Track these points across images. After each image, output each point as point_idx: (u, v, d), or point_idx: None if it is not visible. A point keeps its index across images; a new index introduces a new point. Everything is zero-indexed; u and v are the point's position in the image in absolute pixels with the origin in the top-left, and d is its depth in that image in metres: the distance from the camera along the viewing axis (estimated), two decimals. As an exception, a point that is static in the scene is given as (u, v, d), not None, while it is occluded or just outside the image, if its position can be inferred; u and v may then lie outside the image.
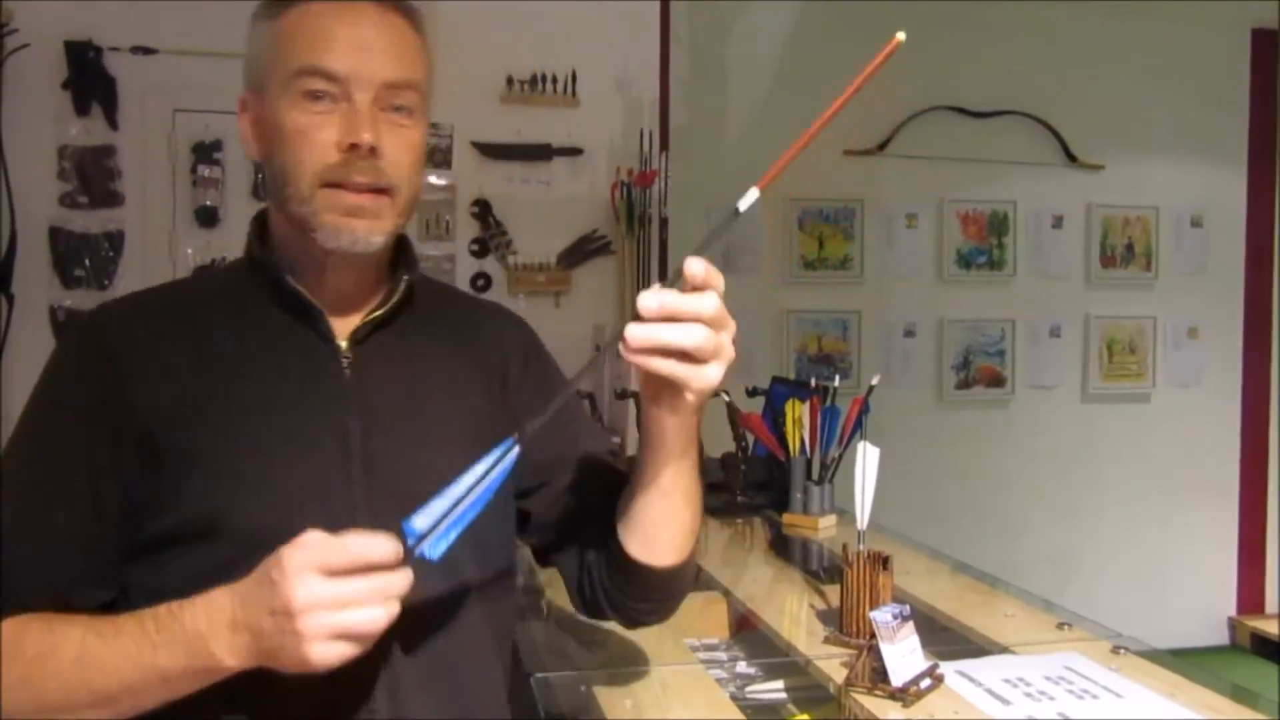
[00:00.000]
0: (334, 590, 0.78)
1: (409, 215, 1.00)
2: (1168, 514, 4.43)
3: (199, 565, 0.88)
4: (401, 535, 0.80)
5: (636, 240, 3.28)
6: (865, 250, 4.18)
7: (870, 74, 0.76)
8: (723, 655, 1.60)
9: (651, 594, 1.06)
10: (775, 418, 2.36)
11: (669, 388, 0.85)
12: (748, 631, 1.70)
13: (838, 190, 4.12)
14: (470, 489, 0.81)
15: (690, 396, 0.84)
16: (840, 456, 2.20)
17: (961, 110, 4.22)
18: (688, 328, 0.79)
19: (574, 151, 3.36)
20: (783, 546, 2.18)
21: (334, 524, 0.82)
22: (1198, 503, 4.48)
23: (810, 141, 0.77)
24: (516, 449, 0.83)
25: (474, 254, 3.35)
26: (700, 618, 1.71)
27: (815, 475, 2.20)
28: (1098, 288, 4.43)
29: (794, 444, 2.20)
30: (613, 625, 1.19)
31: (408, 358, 1.02)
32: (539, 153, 3.35)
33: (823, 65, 3.96)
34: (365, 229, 0.95)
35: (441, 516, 0.80)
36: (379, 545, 0.79)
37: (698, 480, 1.00)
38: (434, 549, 0.80)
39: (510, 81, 3.34)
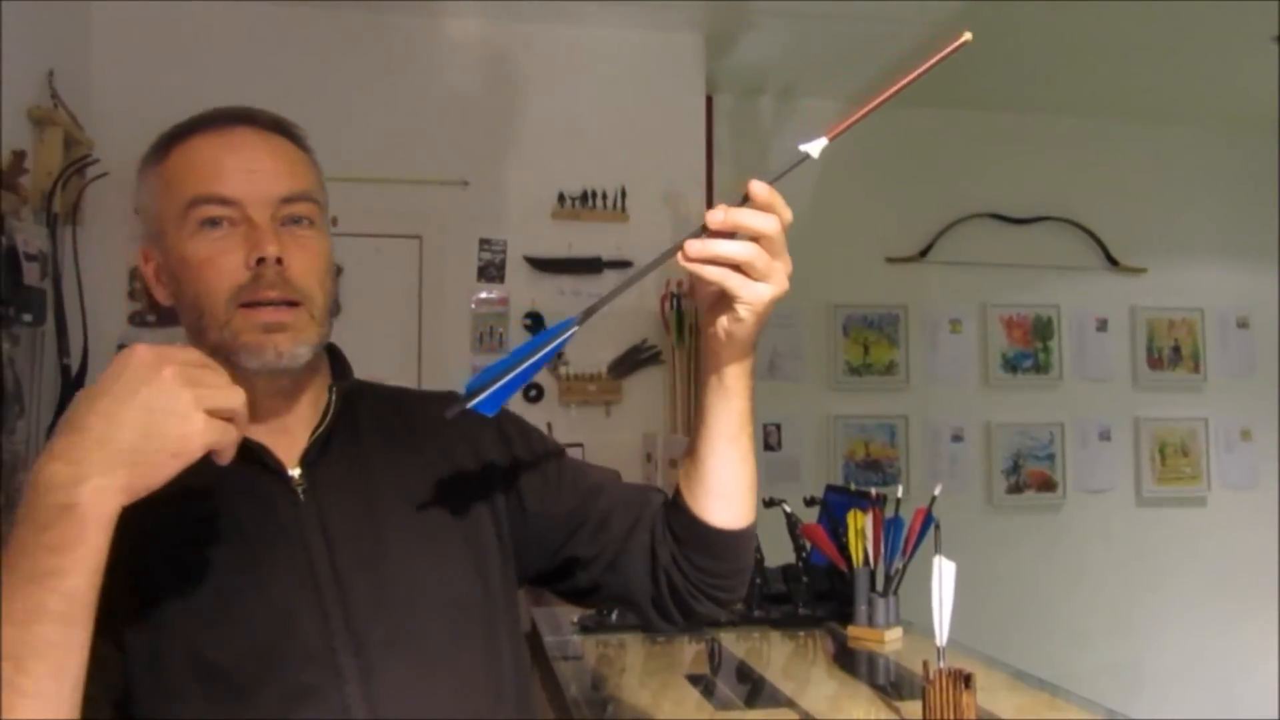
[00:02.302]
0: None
1: (328, 324, 1.00)
2: (1232, 621, 4.31)
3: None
4: None
5: (687, 350, 3.33)
6: (910, 355, 4.21)
7: (933, 66, 0.83)
8: (799, 776, 1.57)
9: (736, 560, 1.07)
10: (834, 527, 2.35)
11: (725, 305, 0.90)
12: (817, 749, 1.67)
13: (881, 297, 4.18)
14: (523, 359, 0.87)
15: (742, 310, 0.89)
16: (905, 568, 2.18)
17: (1001, 217, 4.29)
18: (741, 243, 0.85)
19: (623, 264, 3.44)
20: (848, 660, 2.15)
21: (316, 656, 0.85)
22: (1262, 610, 4.35)
23: (876, 109, 0.84)
24: (576, 329, 0.88)
25: (526, 365, 3.40)
26: (772, 736, 1.69)
27: (880, 587, 2.18)
28: (1146, 390, 4.41)
29: (857, 555, 2.19)
30: None
31: (362, 471, 1.02)
32: (589, 265, 3.43)
33: (862, 172, 4.08)
34: (287, 342, 0.95)
35: (494, 378, 0.86)
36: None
37: (756, 439, 1.03)
38: (486, 406, 0.86)
39: (561, 198, 3.44)
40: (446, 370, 3.32)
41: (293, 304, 0.95)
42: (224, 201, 0.94)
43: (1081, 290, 4.37)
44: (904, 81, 0.83)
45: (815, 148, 0.84)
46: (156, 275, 1.00)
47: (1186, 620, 4.28)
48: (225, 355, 0.94)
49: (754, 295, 0.87)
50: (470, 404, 0.86)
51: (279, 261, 0.93)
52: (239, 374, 0.94)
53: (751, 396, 0.99)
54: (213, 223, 0.94)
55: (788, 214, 0.87)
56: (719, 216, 0.85)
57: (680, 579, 1.07)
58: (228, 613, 0.90)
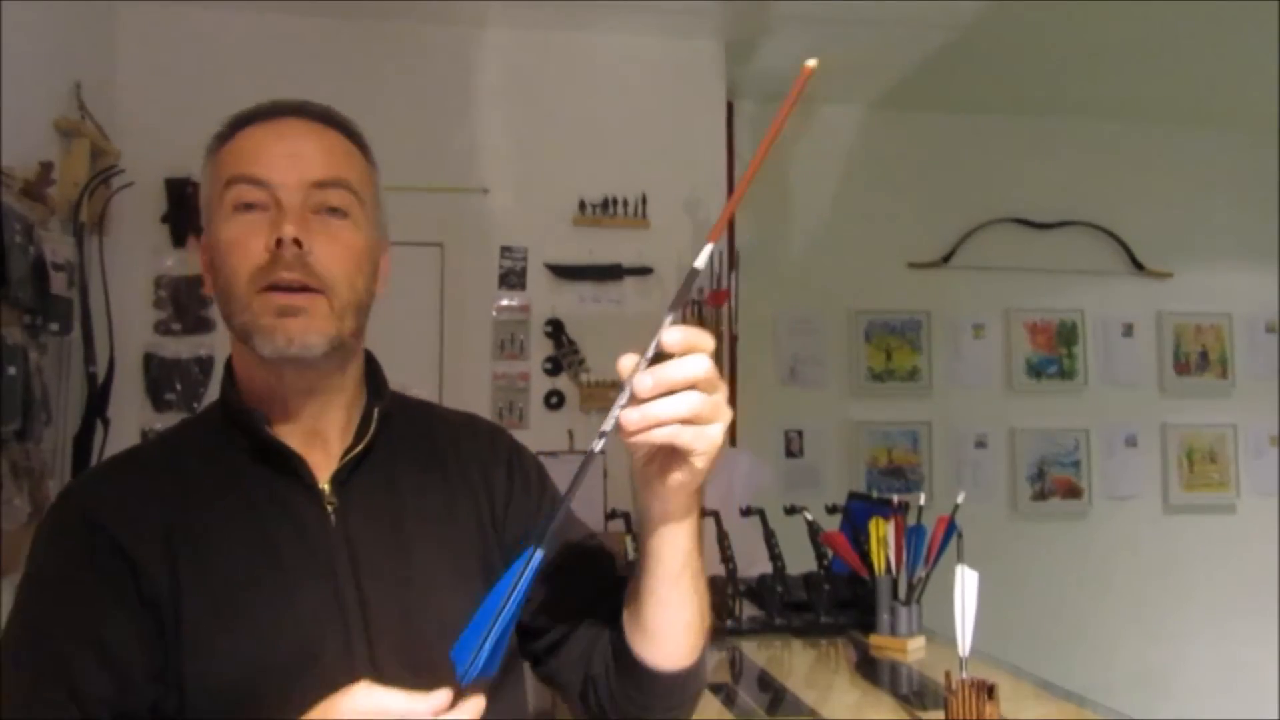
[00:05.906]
0: None
1: (353, 320, 0.96)
2: (1262, 629, 4.24)
3: None
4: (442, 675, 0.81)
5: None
6: (933, 361, 4.18)
7: (790, 106, 0.77)
8: (821, 786, 1.56)
9: (667, 699, 1.00)
10: (856, 534, 2.34)
11: (674, 458, 0.83)
12: (840, 759, 1.66)
13: (903, 302, 4.15)
14: (502, 603, 0.80)
15: (698, 461, 0.82)
16: (928, 576, 2.17)
17: (1024, 221, 4.26)
18: (682, 396, 0.78)
19: (644, 271, 3.44)
20: (870, 668, 2.13)
21: (338, 682, 0.83)
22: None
23: (746, 188, 0.80)
24: (540, 554, 0.80)
25: (547, 372, 3.41)
26: (793, 745, 1.68)
27: (902, 595, 2.17)
28: (1173, 396, 4.36)
29: (879, 563, 2.17)
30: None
31: (392, 494, 1.01)
32: (610, 272, 3.43)
33: (883, 178, 4.07)
34: (299, 328, 0.91)
35: (481, 637, 0.79)
36: (427, 701, 0.78)
37: (703, 571, 0.95)
38: (489, 668, 0.80)
39: (582, 205, 3.45)
40: (467, 378, 3.33)
41: (312, 290, 0.92)
42: (256, 182, 0.92)
43: (1106, 295, 4.34)
44: (769, 135, 0.78)
45: (702, 259, 0.79)
46: (206, 265, 0.98)
47: (1215, 628, 4.22)
48: (247, 342, 0.93)
49: (708, 442, 0.81)
50: (473, 675, 0.80)
51: (298, 244, 0.90)
52: (263, 365, 0.95)
53: (699, 530, 0.92)
54: (247, 206, 0.93)
55: (710, 341, 0.79)
56: (647, 382, 0.77)
57: (607, 692, 1.00)
58: (253, 634, 0.90)
